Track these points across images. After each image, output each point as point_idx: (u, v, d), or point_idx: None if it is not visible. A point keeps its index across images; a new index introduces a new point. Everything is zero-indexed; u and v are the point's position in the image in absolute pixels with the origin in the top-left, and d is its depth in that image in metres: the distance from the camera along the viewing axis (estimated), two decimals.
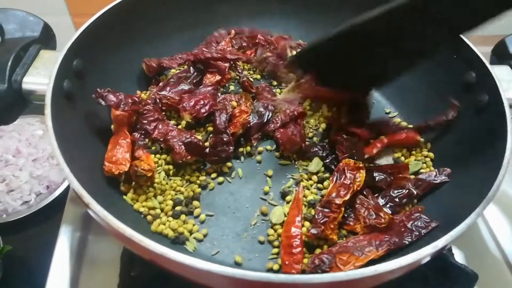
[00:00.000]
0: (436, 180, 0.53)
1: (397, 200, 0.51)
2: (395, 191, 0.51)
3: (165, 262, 0.36)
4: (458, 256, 0.55)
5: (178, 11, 0.66)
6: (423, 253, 0.35)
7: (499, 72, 0.53)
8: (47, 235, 0.59)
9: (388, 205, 0.51)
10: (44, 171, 0.69)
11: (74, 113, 0.50)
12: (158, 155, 0.55)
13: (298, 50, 0.64)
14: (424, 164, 0.56)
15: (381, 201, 0.51)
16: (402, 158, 0.57)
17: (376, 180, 0.51)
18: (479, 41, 0.57)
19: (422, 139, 0.58)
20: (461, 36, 0.56)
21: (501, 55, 0.57)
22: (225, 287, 0.39)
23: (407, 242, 0.46)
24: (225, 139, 0.53)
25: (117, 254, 0.54)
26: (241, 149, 0.57)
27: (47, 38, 0.56)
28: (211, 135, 0.56)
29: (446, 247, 0.38)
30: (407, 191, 0.51)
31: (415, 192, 0.51)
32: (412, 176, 0.54)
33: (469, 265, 0.51)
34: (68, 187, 0.67)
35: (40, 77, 0.51)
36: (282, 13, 0.71)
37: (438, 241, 0.36)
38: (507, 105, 0.49)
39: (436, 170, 0.54)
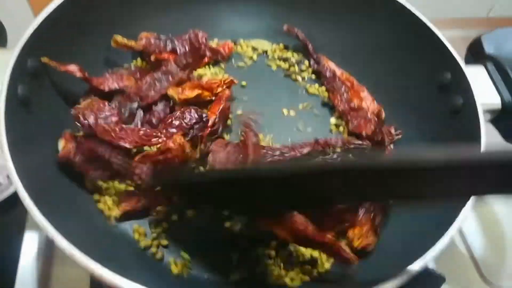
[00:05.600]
0: None
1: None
2: None
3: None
4: None
5: None
6: (398, 281, 0.36)
7: (474, 74, 0.52)
8: (12, 227, 0.56)
9: None
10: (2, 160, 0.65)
11: (32, 118, 0.47)
12: None
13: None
14: None
15: None
16: None
17: None
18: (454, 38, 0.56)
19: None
20: (436, 32, 0.55)
21: (476, 54, 0.56)
22: None
23: None
24: None
25: None
26: None
27: None
28: None
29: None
30: None
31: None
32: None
33: (437, 268, 0.51)
34: None
35: None
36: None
37: (414, 264, 0.37)
38: (480, 110, 0.49)
39: None
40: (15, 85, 0.44)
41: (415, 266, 0.38)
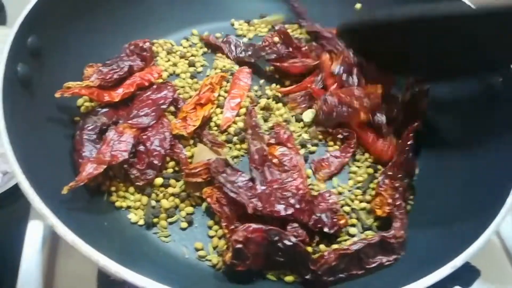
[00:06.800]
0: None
1: None
2: None
3: None
4: None
5: None
6: (442, 274, 0.34)
7: None
8: (18, 215, 0.54)
9: None
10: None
11: (33, 101, 0.43)
12: None
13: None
14: None
15: None
16: None
17: None
18: None
19: None
20: None
21: None
22: None
23: None
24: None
25: None
26: None
27: None
28: None
29: None
30: None
31: None
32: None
33: (472, 261, 0.48)
34: None
35: None
36: None
37: (455, 260, 0.34)
38: None
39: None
40: (14, 63, 0.41)
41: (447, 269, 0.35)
